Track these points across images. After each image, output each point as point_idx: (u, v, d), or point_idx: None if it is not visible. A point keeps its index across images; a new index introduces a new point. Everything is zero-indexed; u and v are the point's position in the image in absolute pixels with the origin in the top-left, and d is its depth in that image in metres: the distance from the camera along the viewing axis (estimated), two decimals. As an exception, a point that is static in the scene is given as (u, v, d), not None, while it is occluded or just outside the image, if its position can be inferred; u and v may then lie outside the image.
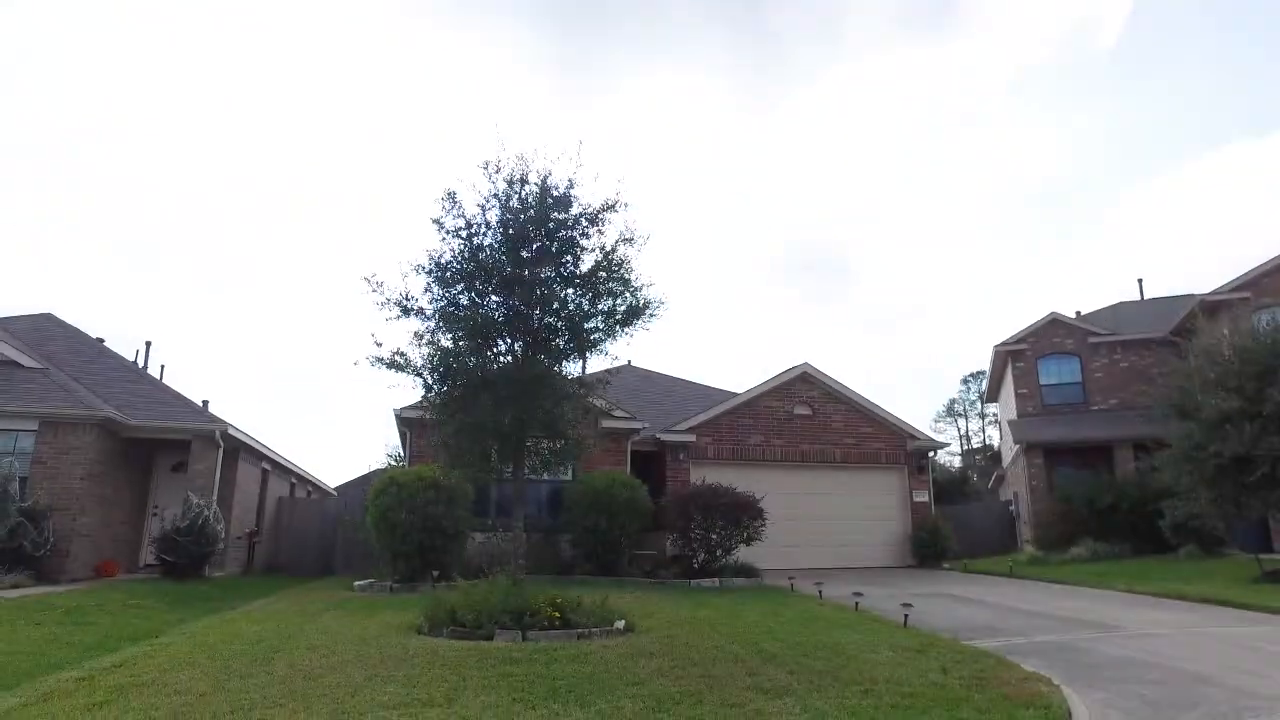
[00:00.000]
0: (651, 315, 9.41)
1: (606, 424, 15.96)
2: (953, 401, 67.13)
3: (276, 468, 21.62)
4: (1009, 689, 5.51)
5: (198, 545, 14.25)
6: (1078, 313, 25.98)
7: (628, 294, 9.41)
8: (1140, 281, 27.68)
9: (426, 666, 5.99)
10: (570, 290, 9.37)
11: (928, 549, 17.89)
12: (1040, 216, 76.62)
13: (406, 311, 9.06)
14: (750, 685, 5.47)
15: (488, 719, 4.58)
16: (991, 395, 29.73)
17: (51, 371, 15.97)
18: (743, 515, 13.58)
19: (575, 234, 9.39)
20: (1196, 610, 10.46)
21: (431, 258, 9.10)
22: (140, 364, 24.08)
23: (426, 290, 9.13)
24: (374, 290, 8.88)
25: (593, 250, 9.39)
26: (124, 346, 27.53)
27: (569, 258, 9.30)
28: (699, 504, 13.49)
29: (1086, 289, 77.78)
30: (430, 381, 8.70)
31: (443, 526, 12.51)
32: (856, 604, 9.81)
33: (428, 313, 8.90)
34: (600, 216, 9.43)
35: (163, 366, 29.33)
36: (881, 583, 14.13)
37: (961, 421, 67.39)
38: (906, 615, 8.58)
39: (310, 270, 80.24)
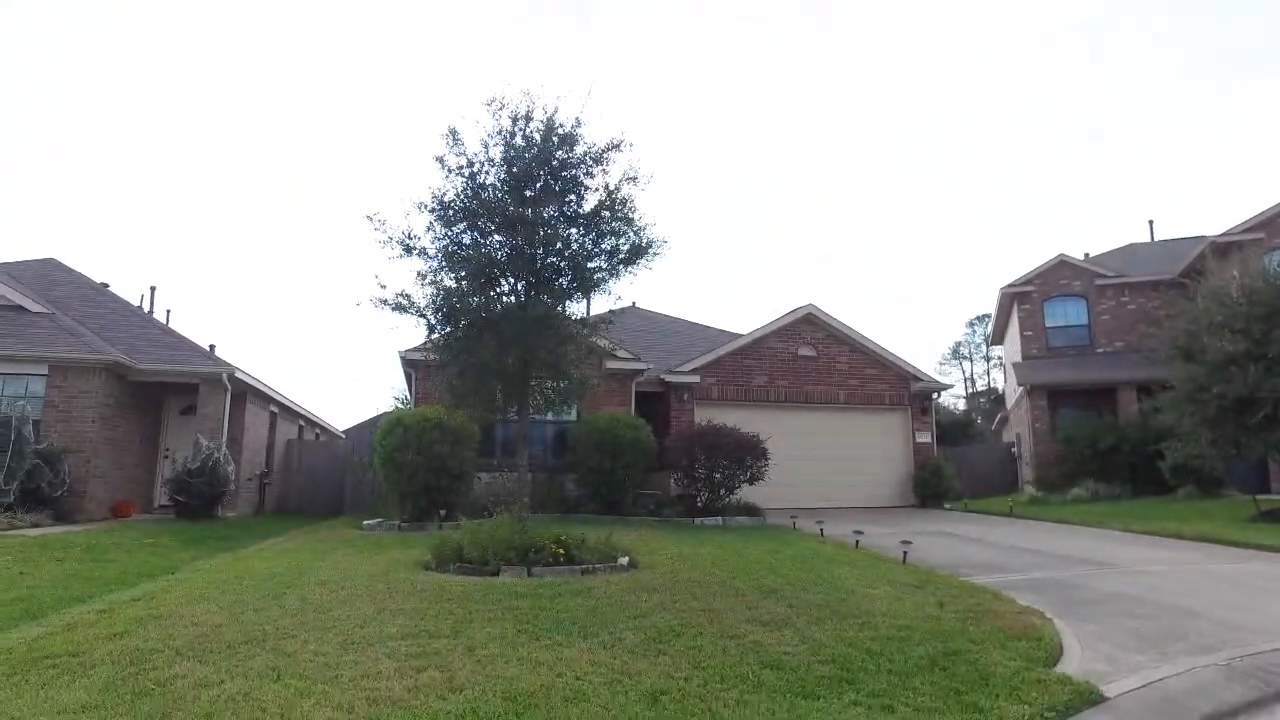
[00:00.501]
0: (654, 255, 9.36)
1: (611, 365, 16.05)
2: (958, 344, 67.04)
3: (285, 411, 21.85)
4: (1004, 622, 5.64)
5: (209, 486, 14.51)
6: (1086, 255, 25.70)
7: (631, 233, 9.35)
8: (1151, 223, 27.16)
9: (434, 600, 6.16)
10: (574, 230, 9.31)
11: (929, 489, 18.12)
12: (1055, 158, 75.18)
13: (409, 251, 9.03)
14: (750, 618, 5.62)
15: (493, 649, 4.72)
16: (997, 338, 29.65)
17: (58, 316, 16.04)
18: (746, 455, 13.73)
19: (579, 173, 9.28)
20: (1191, 548, 10.62)
21: (434, 195, 9.03)
22: (146, 309, 24.16)
23: (429, 229, 9.09)
24: (377, 229, 8.85)
25: (596, 190, 9.30)
26: (129, 292, 27.55)
27: (573, 197, 9.22)
28: (703, 444, 13.63)
29: (1100, 233, 76.69)
30: (433, 322, 8.72)
31: (448, 467, 12.70)
32: (857, 542, 9.99)
33: (430, 252, 8.88)
34: (605, 155, 9.30)
35: (169, 311, 29.44)
36: (883, 522, 14.36)
37: (966, 365, 67.40)
38: (905, 552, 8.74)
39: (319, 213, 79.62)
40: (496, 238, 9.14)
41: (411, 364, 15.69)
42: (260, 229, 77.33)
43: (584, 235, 9.31)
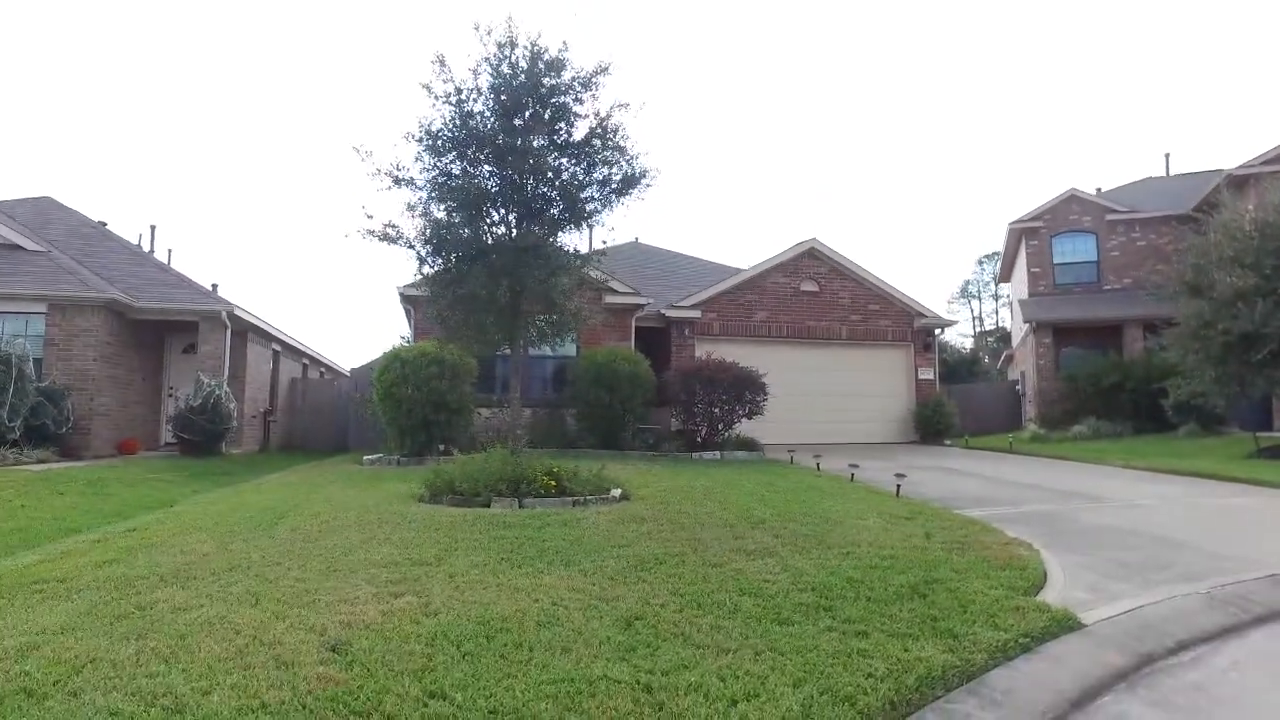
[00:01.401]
0: (646, 185, 9.18)
1: (610, 300, 15.97)
2: (967, 283, 66.33)
3: (288, 349, 21.90)
4: (989, 552, 5.65)
5: (212, 423, 14.63)
6: (1099, 189, 25.09)
7: (623, 162, 9.14)
8: (1167, 156, 26.39)
9: (422, 530, 6.20)
10: (564, 159, 9.09)
11: (931, 426, 18.13)
12: (1069, 92, 72.86)
13: (398, 182, 8.85)
14: (735, 548, 5.63)
15: (474, 575, 4.75)
16: (1005, 275, 29.26)
17: (54, 254, 15.95)
18: (745, 390, 13.70)
19: (568, 99, 9.02)
20: (1187, 483, 10.62)
21: (422, 125, 8.81)
22: (146, 248, 24.00)
23: (418, 159, 8.90)
24: (364, 160, 8.65)
25: (587, 117, 9.06)
26: (131, 231, 27.34)
27: (563, 125, 8.98)
28: (702, 378, 13.58)
29: (1117, 168, 74.79)
30: (423, 254, 8.60)
31: (447, 401, 12.73)
32: (852, 475, 10.01)
33: (419, 183, 8.69)
34: (593, 80, 9.03)
35: (170, 251, 29.35)
36: (882, 457, 14.39)
37: (975, 303, 66.82)
38: (899, 486, 8.76)
39: (332, 150, 78.43)
40: (486, 168, 8.94)
41: (410, 300, 15.61)
42: (269, 168, 76.37)
43: (575, 164, 9.10)
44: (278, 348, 20.74)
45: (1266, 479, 10.35)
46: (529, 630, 3.73)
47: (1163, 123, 71.27)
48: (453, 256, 8.59)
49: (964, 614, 4.15)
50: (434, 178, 8.87)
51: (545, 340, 9.66)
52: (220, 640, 3.49)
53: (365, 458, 13.31)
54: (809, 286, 18.49)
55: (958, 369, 42.43)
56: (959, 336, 60.37)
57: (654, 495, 8.45)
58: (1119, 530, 7.02)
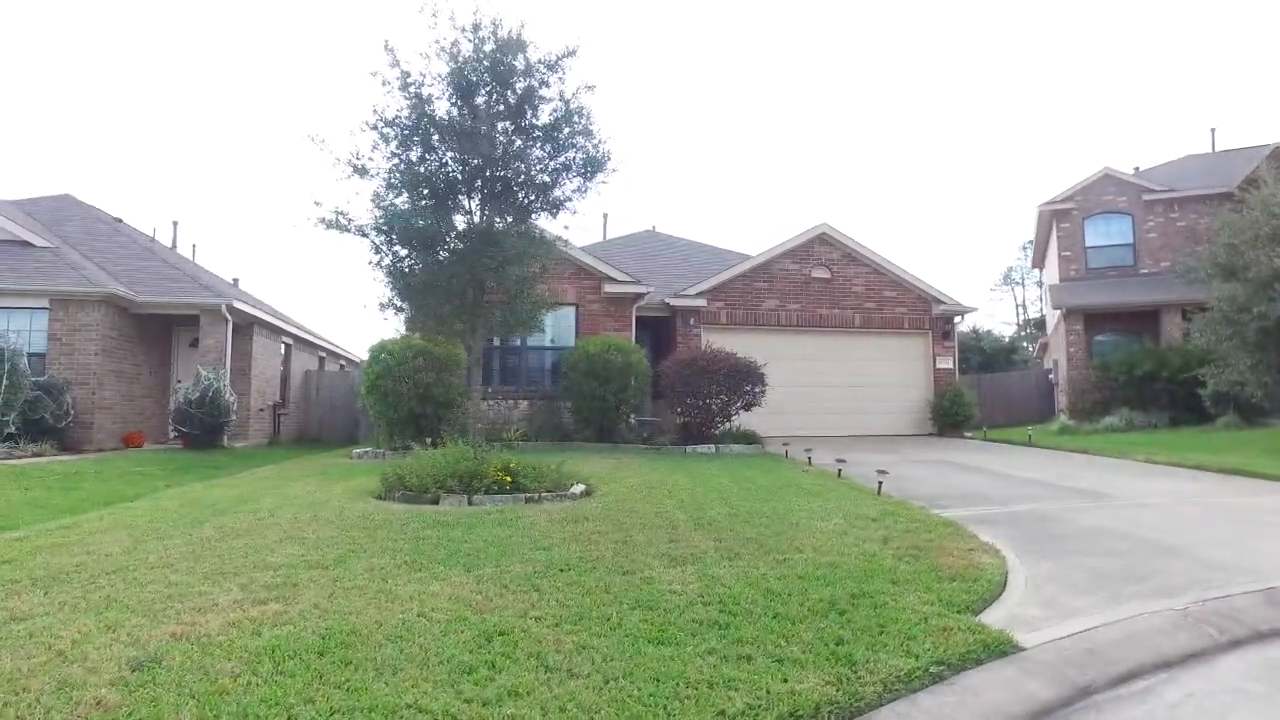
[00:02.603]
0: (613, 170, 8.78)
1: (609, 289, 15.60)
2: (1010, 269, 64.18)
3: (301, 342, 21.99)
4: (946, 560, 5.13)
5: (210, 416, 14.65)
6: (1136, 169, 23.81)
7: (588, 146, 8.74)
8: (1213, 132, 24.79)
9: (344, 529, 5.92)
10: (528, 142, 8.72)
11: (949, 417, 17.35)
12: (1111, 70, 69.92)
13: (358, 171, 8.56)
14: (662, 552, 5.21)
15: (361, 581, 4.43)
16: (1038, 260, 28.04)
17: (62, 250, 16.14)
18: (742, 381, 13.19)
19: (533, 82, 8.65)
20: (1209, 480, 9.83)
21: (377, 112, 8.51)
22: (169, 243, 24.34)
23: (375, 148, 8.60)
24: (320, 149, 8.38)
25: (552, 100, 8.67)
26: (163, 227, 27.74)
27: (526, 108, 8.60)
28: (695, 369, 13.10)
29: (1158, 148, 71.54)
30: (377, 242, 8.30)
31: (433, 394, 12.51)
32: (839, 471, 9.48)
33: (371, 171, 8.39)
34: (560, 63, 8.64)
35: (194, 246, 29.65)
36: (889, 450, 13.77)
37: (1019, 290, 64.68)
38: (880, 483, 8.22)
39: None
40: (447, 154, 8.61)
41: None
42: (297, 160, 77.59)
43: (538, 147, 8.72)
44: (289, 340, 20.81)
45: (1298, 476, 9.52)
46: (373, 645, 3.38)
47: (1209, 99, 67.91)
48: (409, 245, 8.28)
49: (878, 635, 3.67)
50: (393, 166, 8.58)
51: (510, 330, 9.32)
52: (24, 656, 3.21)
53: (355, 451, 13.18)
54: (820, 273, 17.82)
55: (996, 357, 41.13)
56: (1002, 325, 58.61)
57: (617, 492, 8.06)
58: (1110, 533, 6.41)
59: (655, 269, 20.10)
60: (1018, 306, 64.34)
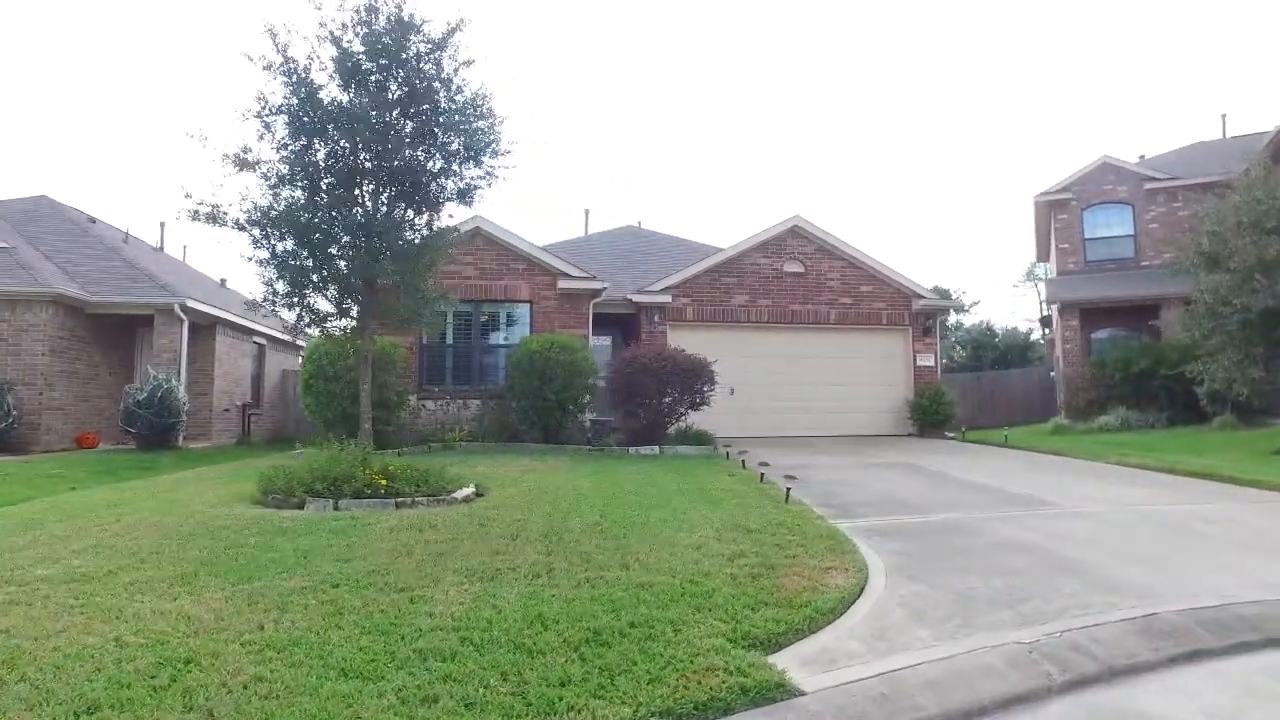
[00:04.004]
0: (506, 151, 8.27)
1: (564, 285, 15.10)
2: (1033, 264, 62.55)
3: (277, 342, 21.73)
4: (791, 581, 4.54)
5: (159, 417, 14.39)
6: (1142, 157, 22.75)
7: (481, 127, 8.25)
8: (1224, 118, 23.66)
9: (167, 538, 5.54)
10: (415, 125, 8.23)
11: (928, 417, 16.56)
12: (1123, 58, 67.84)
13: (244, 165, 8.11)
14: (471, 567, 4.68)
15: (101, 598, 4.00)
16: (1042, 254, 26.99)
17: (18, 250, 15.99)
18: (690, 380, 12.58)
19: (423, 65, 8.17)
20: (1169, 485, 9.06)
21: (260, 99, 8.07)
22: (157, 243, 24.20)
23: (261, 138, 8.16)
24: (203, 145, 7.93)
25: (439, 80, 8.18)
26: (150, 228, 27.72)
27: (409, 89, 8.11)
28: (638, 367, 12.50)
29: (1171, 136, 69.09)
30: (255, 235, 7.86)
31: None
32: (761, 475, 8.87)
33: (255, 162, 7.94)
34: (446, 41, 8.16)
35: (185, 246, 29.68)
36: (853, 452, 13.09)
37: (1042, 285, 63.00)
38: (789, 489, 7.60)
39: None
40: (334, 142, 8.14)
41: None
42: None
43: (430, 132, 8.23)
44: (262, 341, 20.58)
45: (1273, 480, 8.72)
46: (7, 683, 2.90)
47: (1221, 86, 65.44)
48: (289, 240, 7.85)
49: (617, 676, 3.13)
50: (281, 157, 8.14)
51: (407, 324, 8.88)
52: None
53: (294, 452, 12.80)
54: (793, 267, 17.12)
55: (1008, 354, 39.89)
56: (1025, 322, 57.07)
57: (505, 496, 7.57)
58: (1018, 547, 5.76)
59: (632, 265, 19.58)
60: (1041, 303, 62.73)
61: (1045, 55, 69.90)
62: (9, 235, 16.65)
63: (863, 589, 4.61)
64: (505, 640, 3.45)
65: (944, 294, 58.05)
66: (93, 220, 20.48)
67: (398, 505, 6.98)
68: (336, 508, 6.88)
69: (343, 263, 7.89)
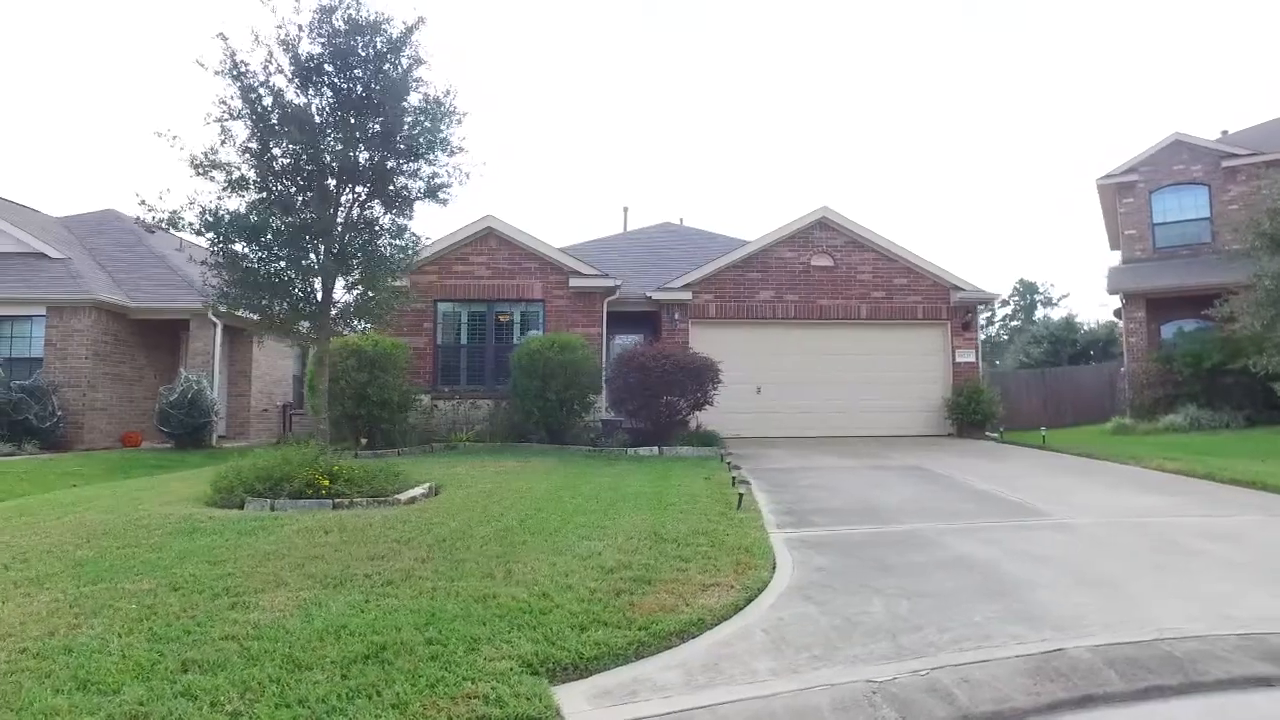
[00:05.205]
0: (458, 149, 8.11)
1: (576, 283, 14.89)
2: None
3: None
4: (659, 599, 4.23)
5: (190, 417, 14.93)
6: (1225, 132, 20.81)
7: (437, 126, 8.10)
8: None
9: (90, 537, 5.63)
10: (377, 125, 8.15)
11: (967, 416, 15.51)
12: (1198, 32, 62.52)
13: (209, 168, 8.20)
14: (334, 573, 4.51)
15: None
16: (1113, 242, 24.98)
17: (73, 261, 16.91)
18: (691, 379, 12.12)
19: (381, 66, 8.10)
20: (1197, 494, 8.08)
21: (219, 104, 8.14)
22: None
23: (224, 142, 8.23)
24: (171, 146, 8.07)
25: (391, 81, 8.08)
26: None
27: (365, 90, 8.03)
28: (636, 367, 12.12)
29: (1244, 114, 63.11)
30: (210, 237, 7.93)
31: (367, 393, 12.15)
32: (733, 480, 8.37)
33: (209, 165, 8.01)
34: (403, 40, 8.05)
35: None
36: (867, 454, 12.35)
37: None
38: (741, 495, 7.10)
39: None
40: (293, 145, 8.14)
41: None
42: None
43: (387, 126, 8.13)
44: (304, 343, 21.16)
45: (1322, 490, 7.66)
46: None
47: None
48: (235, 241, 7.90)
49: (367, 698, 2.94)
50: (244, 159, 8.21)
51: (363, 318, 8.85)
52: None
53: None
54: (821, 261, 16.36)
55: (1089, 349, 37.46)
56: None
57: (453, 499, 7.45)
58: (961, 566, 5.20)
59: (665, 262, 19.09)
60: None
61: (1121, 35, 65.39)
62: (72, 247, 17.67)
63: (739, 610, 4.17)
64: (281, 653, 3.23)
65: (1030, 288, 55.65)
66: (151, 230, 21.46)
67: (335, 506, 6.92)
68: (273, 508, 6.86)
69: (284, 263, 7.88)
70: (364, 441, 12.49)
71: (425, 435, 13.63)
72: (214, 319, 16.27)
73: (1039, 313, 56.69)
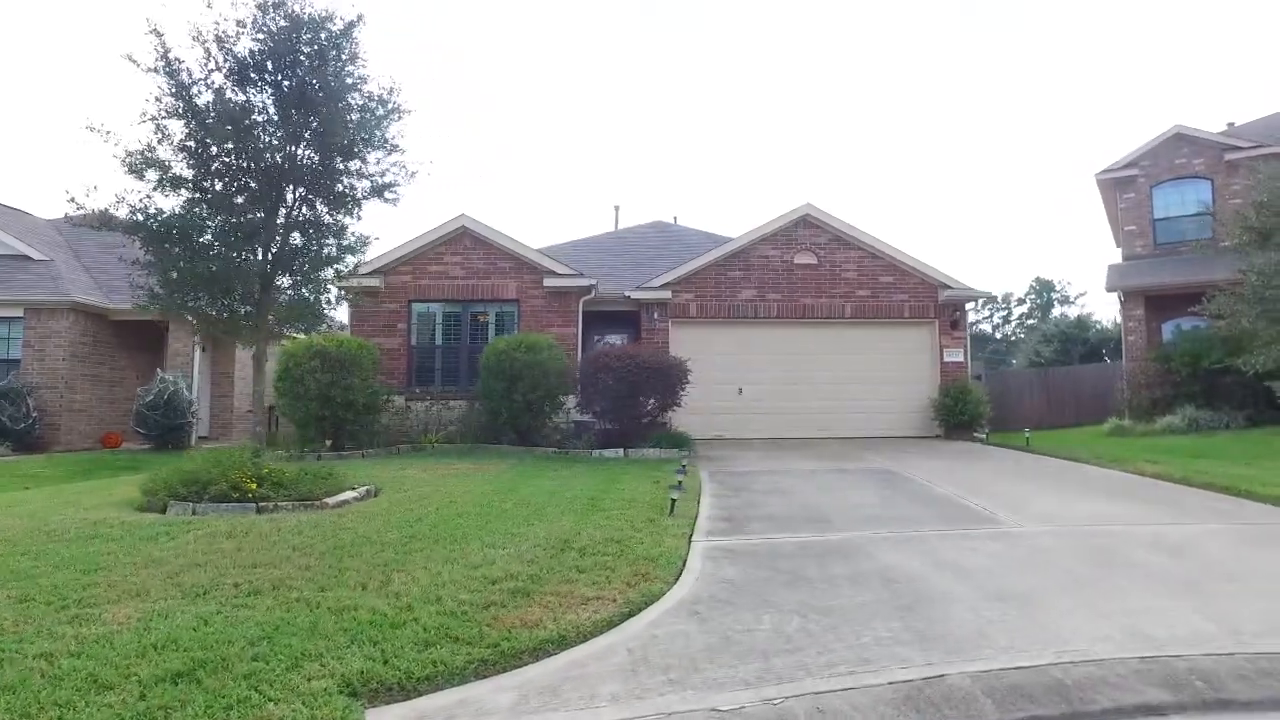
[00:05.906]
0: (395, 147, 7.95)
1: (550, 283, 14.69)
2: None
3: (312, 345, 22.31)
4: (527, 614, 4.01)
5: (166, 419, 14.87)
6: (1230, 124, 20.23)
7: (379, 124, 7.93)
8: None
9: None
10: (316, 122, 7.98)
11: (953, 416, 15.10)
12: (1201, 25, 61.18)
13: (145, 167, 8.05)
14: (193, 583, 4.30)
15: None
16: (1116, 238, 24.44)
17: (55, 263, 16.91)
18: (658, 380, 11.85)
19: (321, 63, 7.93)
20: (1165, 501, 7.76)
21: (158, 101, 8.00)
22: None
23: (162, 140, 8.09)
24: (106, 141, 7.94)
25: (331, 79, 7.91)
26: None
27: (300, 85, 7.86)
28: (599, 367, 11.86)
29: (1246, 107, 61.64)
30: (140, 238, 7.80)
31: (332, 395, 11.99)
32: (680, 482, 8.08)
33: (143, 165, 7.87)
34: (344, 37, 7.89)
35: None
36: (840, 456, 12.03)
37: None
38: (674, 501, 6.84)
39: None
40: (225, 146, 7.98)
41: (349, 290, 15.07)
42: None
43: (326, 124, 7.95)
44: (287, 344, 21.11)
45: (1298, 497, 7.28)
46: None
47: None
48: (165, 242, 7.76)
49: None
50: (181, 157, 8.06)
51: (293, 321, 8.70)
52: None
53: (276, 454, 12.91)
54: (805, 259, 16.02)
55: (1099, 348, 36.73)
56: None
57: (384, 503, 7.35)
58: (882, 579, 4.94)
59: (654, 261, 18.78)
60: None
61: (1120, 29, 64.28)
62: (59, 250, 17.67)
63: (613, 626, 3.92)
64: (87, 673, 3.05)
65: (1047, 286, 54.70)
66: (96, 228, 21.54)
67: (259, 510, 6.76)
68: (194, 512, 6.70)
69: (218, 265, 7.73)
70: (328, 443, 12.34)
71: (397, 436, 13.47)
72: (191, 320, 16.20)
73: (1055, 311, 55.77)
